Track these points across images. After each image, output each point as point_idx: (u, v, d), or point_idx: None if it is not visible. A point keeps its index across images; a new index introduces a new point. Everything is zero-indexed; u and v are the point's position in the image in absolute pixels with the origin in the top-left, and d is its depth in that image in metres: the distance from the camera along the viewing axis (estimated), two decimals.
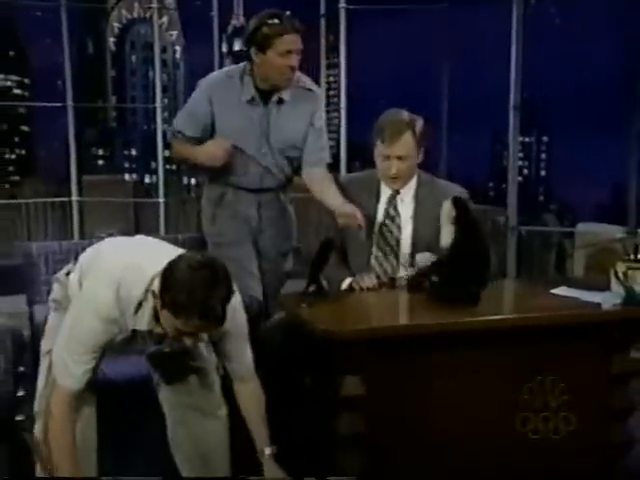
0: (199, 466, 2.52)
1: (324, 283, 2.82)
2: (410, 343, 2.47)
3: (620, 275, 2.60)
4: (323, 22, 6.00)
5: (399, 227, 2.93)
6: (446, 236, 2.54)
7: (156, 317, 2.14)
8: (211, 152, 2.95)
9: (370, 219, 2.91)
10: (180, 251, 2.25)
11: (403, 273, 2.90)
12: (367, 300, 2.85)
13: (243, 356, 2.38)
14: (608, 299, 2.62)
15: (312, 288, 2.75)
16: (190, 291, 1.99)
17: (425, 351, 2.47)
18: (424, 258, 2.79)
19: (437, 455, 2.52)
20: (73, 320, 2.19)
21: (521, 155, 6.25)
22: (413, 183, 2.94)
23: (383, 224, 2.95)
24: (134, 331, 2.21)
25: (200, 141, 3.01)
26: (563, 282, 2.88)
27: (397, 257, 2.93)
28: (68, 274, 2.42)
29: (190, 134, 3.01)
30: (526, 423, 2.59)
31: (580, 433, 2.61)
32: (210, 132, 3.00)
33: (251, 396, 2.40)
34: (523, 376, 2.58)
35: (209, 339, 2.33)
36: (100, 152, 9.72)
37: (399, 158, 2.84)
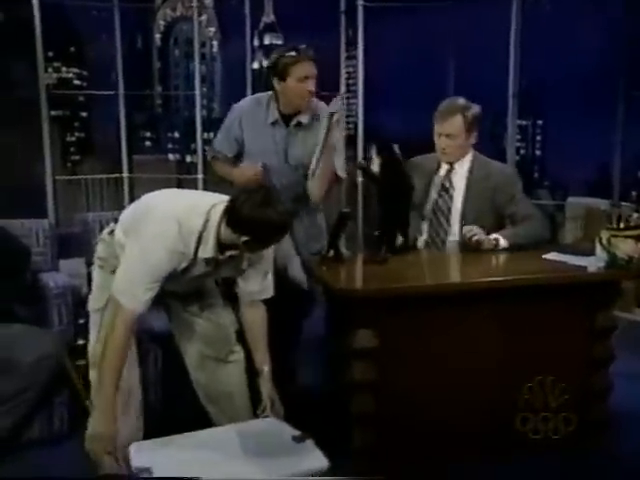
0: (224, 405, 2.54)
1: (342, 249, 2.84)
2: (417, 301, 2.47)
3: (604, 242, 2.58)
4: (343, 18, 5.95)
5: (451, 197, 2.99)
6: (376, 167, 2.74)
7: (219, 246, 2.21)
8: (245, 175, 2.97)
9: (426, 191, 3.01)
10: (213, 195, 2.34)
11: (452, 238, 2.97)
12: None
13: (262, 280, 2.41)
14: (593, 263, 2.62)
15: (331, 253, 2.77)
16: (275, 226, 2.15)
17: (431, 308, 2.48)
18: (469, 230, 2.84)
19: (439, 398, 2.54)
20: (142, 254, 2.20)
21: (518, 137, 6.19)
22: (467, 161, 3.01)
23: (439, 194, 3.01)
24: (194, 259, 2.24)
25: (236, 158, 3.06)
26: (554, 248, 2.87)
27: (448, 222, 2.99)
28: (111, 232, 2.43)
29: (228, 154, 3.06)
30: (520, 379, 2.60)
31: (568, 380, 2.62)
32: (242, 150, 3.04)
33: (259, 319, 2.43)
34: (519, 329, 2.58)
35: (248, 262, 2.37)
36: (147, 134, 9.74)
37: (447, 136, 2.94)
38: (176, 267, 2.23)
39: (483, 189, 2.95)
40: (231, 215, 2.16)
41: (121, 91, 6.32)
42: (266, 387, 2.36)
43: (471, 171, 3.00)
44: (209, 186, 6.66)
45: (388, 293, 2.50)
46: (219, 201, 2.22)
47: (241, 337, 2.53)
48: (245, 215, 2.13)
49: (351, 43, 5.99)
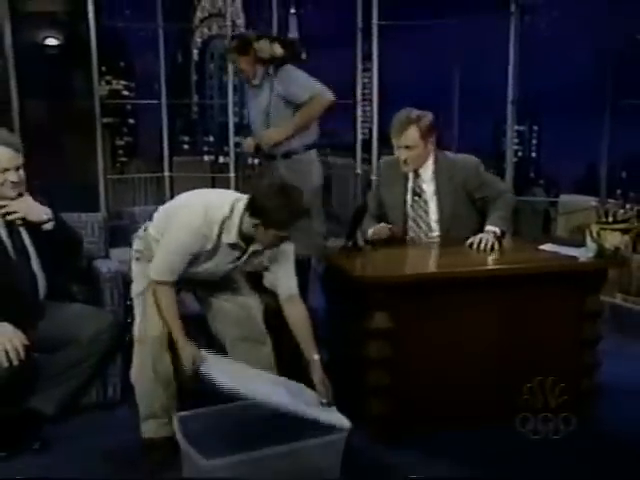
0: None
1: (359, 240, 2.84)
2: (427, 286, 2.47)
3: (594, 234, 2.57)
4: (359, 35, 5.94)
5: (425, 201, 2.92)
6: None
7: (240, 234, 2.24)
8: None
9: (402, 195, 2.94)
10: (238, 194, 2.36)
11: (433, 234, 2.92)
12: (392, 252, 2.85)
13: (292, 276, 2.38)
14: (583, 253, 2.61)
15: (349, 243, 2.77)
16: (290, 210, 2.16)
17: (439, 293, 2.47)
18: (477, 247, 2.74)
19: (445, 373, 2.54)
20: (172, 237, 2.28)
21: (516, 140, 6.14)
22: (430, 164, 2.90)
23: (413, 199, 2.94)
24: (217, 244, 2.27)
25: None
26: (548, 240, 2.86)
27: (428, 225, 2.93)
28: (145, 229, 2.48)
29: None
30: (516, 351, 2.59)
31: (561, 357, 2.61)
32: None
33: (301, 316, 2.36)
34: (518, 312, 2.57)
35: (268, 262, 2.38)
36: (186, 139, 9.78)
37: (406, 147, 2.82)
38: (201, 249, 2.27)
39: (452, 187, 2.86)
40: (251, 200, 2.20)
41: (163, 100, 6.36)
42: (317, 374, 2.29)
43: (436, 174, 2.89)
44: (240, 183, 6.68)
45: (401, 279, 2.51)
46: (240, 197, 2.28)
47: (268, 325, 2.50)
48: (260, 197, 2.18)
49: (367, 57, 5.97)
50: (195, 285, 2.51)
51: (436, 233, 2.92)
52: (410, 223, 2.95)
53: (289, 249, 2.37)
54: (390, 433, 2.48)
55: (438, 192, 2.89)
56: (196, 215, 2.24)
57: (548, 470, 2.35)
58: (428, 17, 5.95)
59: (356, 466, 2.27)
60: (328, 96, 3.22)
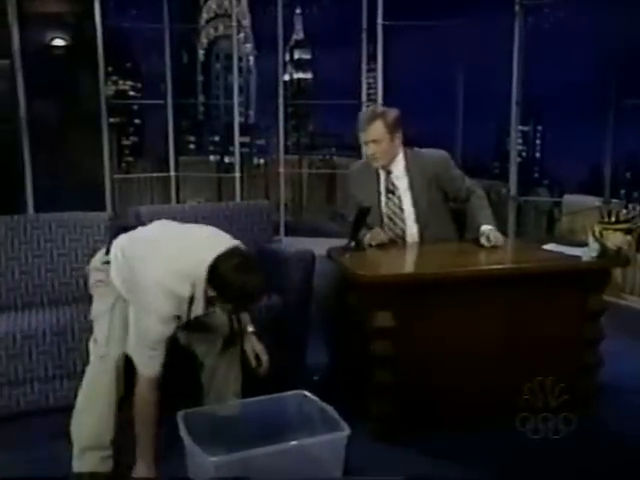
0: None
1: (364, 240, 2.84)
2: (429, 286, 2.47)
3: (596, 234, 2.57)
4: (364, 35, 5.96)
5: (399, 197, 2.91)
6: None
7: (208, 302, 2.12)
8: None
9: (377, 195, 2.92)
10: (205, 238, 2.18)
11: (410, 232, 2.91)
12: (393, 252, 2.86)
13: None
14: (587, 253, 2.61)
15: (352, 244, 2.77)
16: (244, 290, 2.03)
17: (442, 292, 2.48)
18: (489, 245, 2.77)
19: (447, 372, 2.54)
20: (142, 329, 2.10)
21: (520, 141, 6.10)
22: (400, 160, 2.90)
23: (387, 197, 2.93)
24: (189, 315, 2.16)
25: None
26: (552, 240, 2.86)
27: (404, 222, 2.92)
28: (105, 262, 2.28)
29: None
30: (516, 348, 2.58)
31: (563, 356, 2.61)
32: None
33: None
34: (521, 311, 2.57)
35: None
36: (191, 138, 9.77)
37: (373, 141, 2.82)
38: (176, 327, 2.14)
39: (425, 181, 2.87)
40: (211, 274, 2.04)
41: (169, 100, 6.38)
42: (251, 343, 2.35)
43: (408, 169, 2.89)
44: (245, 182, 6.70)
45: (404, 279, 2.51)
46: (201, 260, 2.06)
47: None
48: (220, 275, 2.03)
49: (371, 57, 5.98)
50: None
51: (413, 230, 2.91)
52: (385, 220, 2.93)
53: None
54: (391, 432, 2.48)
55: (412, 186, 2.89)
56: (167, 305, 2.07)
57: (548, 470, 2.35)
58: (433, 18, 5.96)
59: (358, 465, 2.27)
60: None
